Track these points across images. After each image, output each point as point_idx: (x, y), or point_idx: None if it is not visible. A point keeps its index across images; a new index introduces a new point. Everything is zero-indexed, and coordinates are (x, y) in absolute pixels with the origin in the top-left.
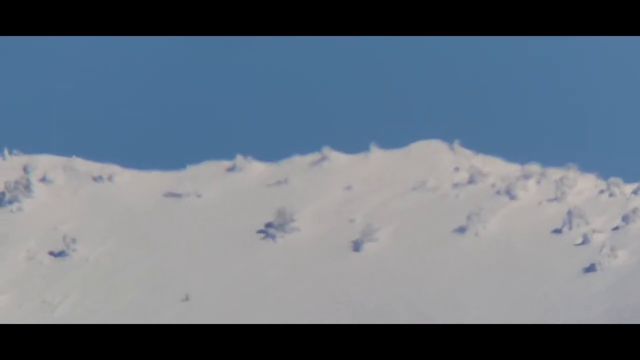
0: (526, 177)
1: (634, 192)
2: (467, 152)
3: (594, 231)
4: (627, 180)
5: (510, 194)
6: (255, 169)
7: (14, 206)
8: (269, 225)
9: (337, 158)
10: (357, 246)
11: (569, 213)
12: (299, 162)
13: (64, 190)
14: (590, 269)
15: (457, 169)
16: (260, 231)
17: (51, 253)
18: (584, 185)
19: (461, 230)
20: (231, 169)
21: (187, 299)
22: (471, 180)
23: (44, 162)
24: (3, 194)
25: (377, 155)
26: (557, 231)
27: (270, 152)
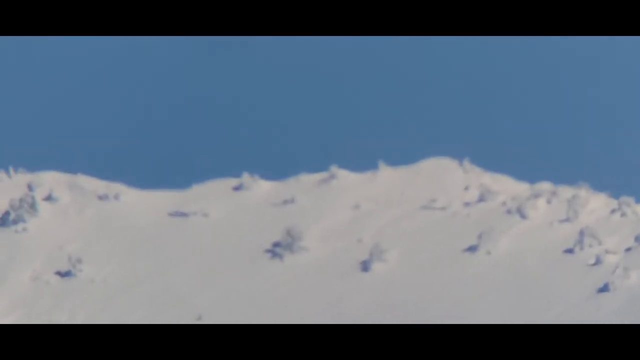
0: (537, 196)
1: None
2: (477, 170)
3: (606, 251)
4: (639, 199)
5: (521, 213)
6: (262, 188)
7: (19, 226)
8: (276, 244)
9: (345, 176)
10: (365, 266)
11: (581, 233)
12: (306, 180)
13: (70, 208)
14: (603, 289)
15: (467, 188)
16: (268, 251)
17: (57, 273)
18: (595, 205)
19: (472, 249)
20: (238, 188)
21: (199, 318)
22: (481, 199)
23: (49, 180)
24: (8, 213)
25: (385, 174)
26: (569, 251)
27: (277, 171)
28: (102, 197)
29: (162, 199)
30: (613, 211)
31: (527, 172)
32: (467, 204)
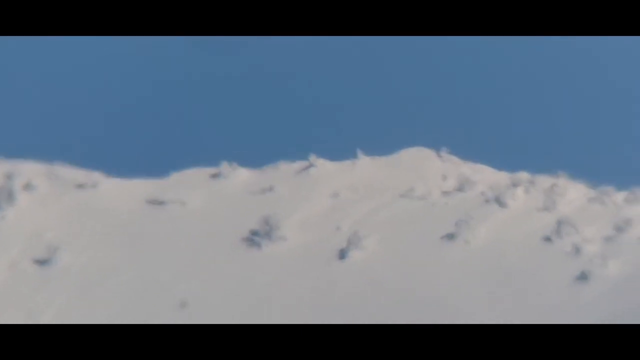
0: (515, 185)
1: (626, 201)
2: (456, 160)
3: (584, 240)
4: (619, 188)
5: (499, 202)
6: (240, 176)
7: None
8: (254, 233)
9: (323, 165)
10: (343, 254)
11: (559, 222)
12: (284, 169)
13: (48, 197)
14: (581, 278)
15: (445, 177)
16: (246, 239)
17: (35, 261)
18: (574, 194)
19: (450, 238)
20: (216, 176)
21: (184, 305)
22: (460, 188)
23: (27, 169)
24: None
25: (364, 163)
26: (547, 240)
27: (256, 159)
28: (80, 186)
29: (139, 188)
30: (592, 200)
31: (505, 162)
32: (445, 193)
